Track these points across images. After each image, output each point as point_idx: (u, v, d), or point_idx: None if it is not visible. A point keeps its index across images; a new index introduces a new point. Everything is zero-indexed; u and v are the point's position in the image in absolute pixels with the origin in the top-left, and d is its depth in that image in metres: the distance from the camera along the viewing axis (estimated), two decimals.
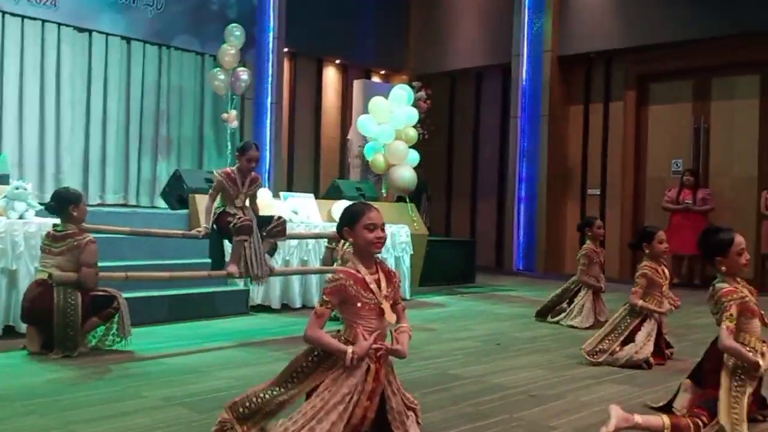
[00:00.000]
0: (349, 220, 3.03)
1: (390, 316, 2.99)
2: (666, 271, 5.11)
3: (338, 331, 2.99)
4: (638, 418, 3.10)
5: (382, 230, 3.00)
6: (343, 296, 2.92)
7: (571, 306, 6.55)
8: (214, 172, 5.71)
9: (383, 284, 3.00)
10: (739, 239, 3.39)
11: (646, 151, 11.46)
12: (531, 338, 5.82)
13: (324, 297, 2.93)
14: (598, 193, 11.81)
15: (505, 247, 12.24)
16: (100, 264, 4.92)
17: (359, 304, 2.93)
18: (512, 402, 3.83)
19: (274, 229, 5.72)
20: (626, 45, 11.17)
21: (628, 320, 4.90)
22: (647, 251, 5.07)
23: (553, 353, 5.19)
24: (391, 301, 3.02)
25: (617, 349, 4.80)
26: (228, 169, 5.60)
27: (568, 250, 11.54)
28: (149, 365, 4.48)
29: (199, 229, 5.70)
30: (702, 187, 10.26)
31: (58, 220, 4.87)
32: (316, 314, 2.92)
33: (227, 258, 5.73)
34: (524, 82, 11.90)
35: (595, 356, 4.81)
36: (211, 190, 5.64)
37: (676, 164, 11.00)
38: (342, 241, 6.49)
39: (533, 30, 11.85)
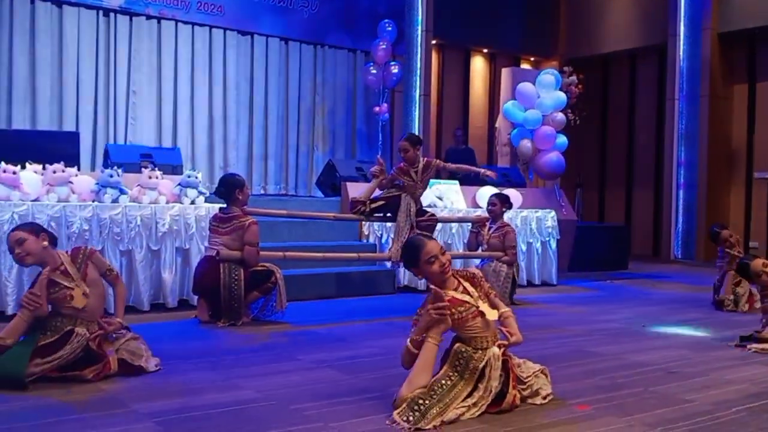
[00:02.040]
0: (410, 261, 3.21)
1: (491, 314, 3.19)
2: None
3: (457, 341, 3.18)
4: None
5: (443, 255, 3.15)
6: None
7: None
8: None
9: (471, 290, 3.20)
10: None
11: None
12: (679, 321, 5.68)
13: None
14: (767, 176, 11.08)
15: (663, 235, 11.79)
16: (261, 244, 5.39)
17: (460, 321, 3.13)
18: (649, 377, 3.82)
19: (423, 223, 6.02)
20: None
21: None
22: None
23: (701, 335, 5.06)
24: (486, 300, 3.22)
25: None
26: (401, 164, 5.96)
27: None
28: (304, 334, 4.87)
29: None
30: None
31: (224, 205, 5.39)
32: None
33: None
34: (682, 63, 11.38)
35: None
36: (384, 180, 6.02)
37: None
38: (486, 226, 6.65)
39: (691, 7, 11.30)
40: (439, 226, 7.10)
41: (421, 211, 6.10)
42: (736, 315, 6.02)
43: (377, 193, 6.06)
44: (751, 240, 11.23)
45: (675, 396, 3.47)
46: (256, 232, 5.22)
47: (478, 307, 3.17)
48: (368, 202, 5.96)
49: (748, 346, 4.62)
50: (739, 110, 11.46)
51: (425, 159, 5.97)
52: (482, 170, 6.40)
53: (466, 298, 3.17)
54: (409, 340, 3.10)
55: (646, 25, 12.25)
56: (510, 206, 6.92)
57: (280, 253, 5.67)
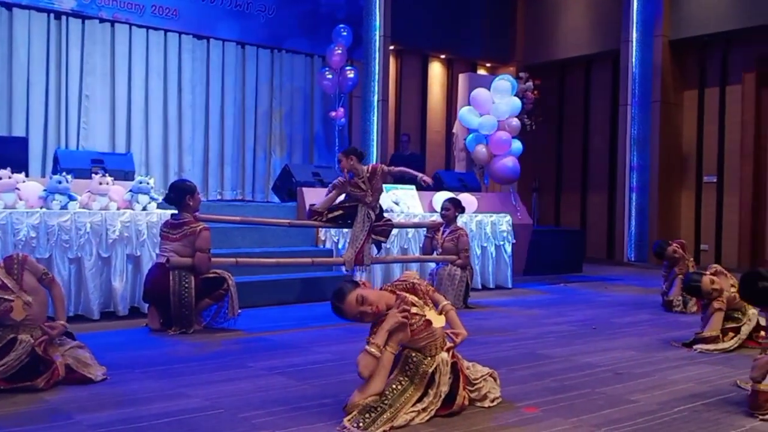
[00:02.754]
0: (347, 320, 3.18)
1: (438, 321, 3.20)
2: None
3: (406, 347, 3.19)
4: None
5: (363, 304, 3.08)
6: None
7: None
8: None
9: (415, 300, 3.21)
10: None
11: (767, 135, 10.92)
12: (629, 323, 5.79)
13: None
14: (715, 180, 11.37)
15: (616, 238, 11.99)
16: (214, 251, 5.34)
17: (412, 333, 3.12)
18: (597, 378, 3.89)
19: (377, 228, 6.07)
20: (745, 25, 10.69)
21: None
22: None
23: (650, 337, 5.17)
24: (431, 305, 3.25)
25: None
26: (350, 178, 5.95)
27: (683, 238, 11.16)
28: (256, 341, 4.83)
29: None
30: None
31: (175, 211, 5.32)
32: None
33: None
34: (634, 69, 11.59)
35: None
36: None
37: None
38: (440, 230, 6.71)
39: (644, 14, 11.52)
40: (395, 231, 7.14)
41: (379, 216, 6.14)
42: (684, 316, 6.15)
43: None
44: (702, 243, 11.49)
45: (621, 397, 3.53)
46: (207, 238, 5.17)
47: (425, 316, 3.19)
48: (326, 212, 5.99)
49: (694, 347, 4.73)
50: (689, 116, 11.73)
51: (370, 166, 5.99)
52: (420, 175, 6.37)
53: (415, 309, 3.18)
54: (370, 346, 3.06)
55: (600, 32, 12.47)
56: (463, 210, 7.00)
57: (232, 259, 5.64)
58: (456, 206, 6.79)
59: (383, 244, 6.51)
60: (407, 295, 3.23)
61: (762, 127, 10.93)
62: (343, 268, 6.81)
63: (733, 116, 11.14)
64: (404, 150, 10.85)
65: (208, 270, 5.16)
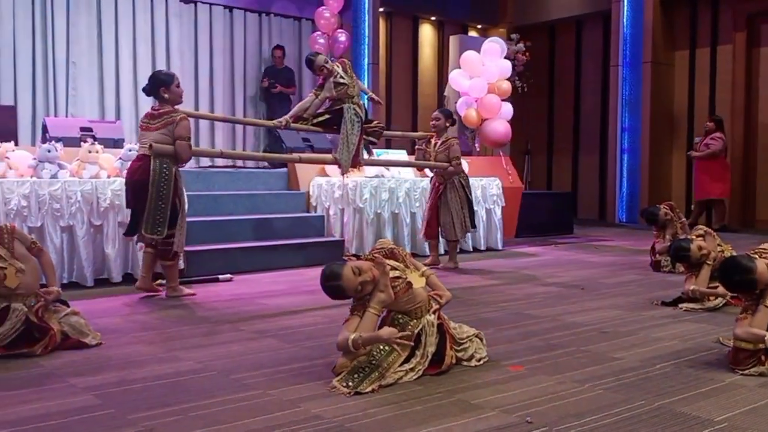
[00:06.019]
0: (344, 297, 3.18)
1: (418, 282, 3.28)
2: None
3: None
4: None
5: (361, 274, 3.07)
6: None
7: None
8: None
9: (396, 264, 3.28)
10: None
11: (757, 95, 10.94)
12: (617, 283, 5.86)
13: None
14: None
15: (608, 200, 12.05)
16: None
17: (396, 296, 3.18)
18: (583, 337, 3.96)
19: (369, 129, 5.94)
20: None
21: None
22: None
23: (637, 297, 5.24)
24: (411, 267, 3.35)
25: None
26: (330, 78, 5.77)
27: (675, 200, 11.21)
28: (248, 305, 4.89)
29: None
30: (717, 132, 10.03)
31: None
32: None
33: None
34: (625, 29, 11.55)
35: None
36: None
37: None
38: (432, 142, 6.65)
39: None
40: (386, 195, 7.16)
41: (368, 119, 5.99)
42: (672, 276, 6.22)
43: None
44: (692, 204, 11.56)
45: (605, 354, 3.60)
46: (187, 126, 5.02)
47: (406, 278, 3.24)
48: (311, 117, 5.75)
49: (680, 305, 4.80)
50: (680, 76, 11.71)
51: (336, 61, 5.85)
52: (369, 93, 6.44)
53: (397, 273, 3.24)
54: (351, 340, 3.05)
55: None
56: (454, 122, 7.02)
57: (218, 150, 5.64)
58: (447, 116, 6.71)
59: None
60: (387, 260, 3.28)
61: (752, 87, 10.93)
62: (339, 171, 6.35)
63: (724, 76, 11.13)
64: (278, 64, 10.63)
65: (189, 158, 5.19)
